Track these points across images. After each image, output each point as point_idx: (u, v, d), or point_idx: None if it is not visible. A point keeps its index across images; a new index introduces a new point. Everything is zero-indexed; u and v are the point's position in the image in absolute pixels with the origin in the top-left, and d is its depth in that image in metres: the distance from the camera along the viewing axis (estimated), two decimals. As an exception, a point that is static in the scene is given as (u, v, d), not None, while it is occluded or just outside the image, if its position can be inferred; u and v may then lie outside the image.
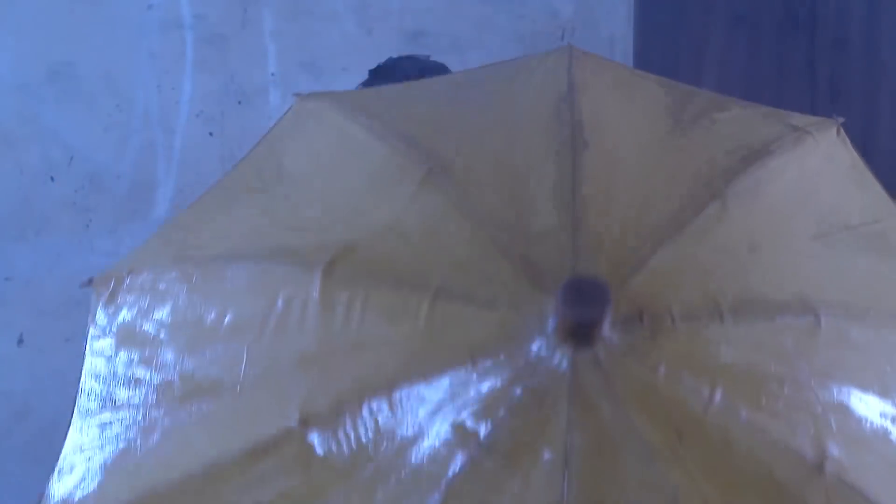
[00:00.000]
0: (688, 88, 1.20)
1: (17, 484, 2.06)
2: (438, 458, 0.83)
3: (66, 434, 1.18)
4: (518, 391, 0.82)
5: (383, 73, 1.72)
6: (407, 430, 0.84)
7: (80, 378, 1.06)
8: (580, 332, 0.82)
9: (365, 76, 1.75)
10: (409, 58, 1.75)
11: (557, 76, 1.08)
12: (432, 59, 1.75)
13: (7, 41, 2.01)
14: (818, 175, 1.09)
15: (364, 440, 0.84)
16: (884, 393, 0.93)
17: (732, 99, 1.21)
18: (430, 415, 0.83)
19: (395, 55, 1.77)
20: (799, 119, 1.16)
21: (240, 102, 2.00)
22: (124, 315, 1.00)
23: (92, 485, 0.96)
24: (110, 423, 0.99)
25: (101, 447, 0.98)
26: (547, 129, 1.00)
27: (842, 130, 1.16)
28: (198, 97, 2.00)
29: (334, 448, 0.84)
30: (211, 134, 2.00)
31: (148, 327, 0.98)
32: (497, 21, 1.96)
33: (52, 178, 2.02)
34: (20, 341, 2.05)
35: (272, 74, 1.99)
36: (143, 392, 0.97)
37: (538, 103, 1.06)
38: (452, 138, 1.01)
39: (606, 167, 0.97)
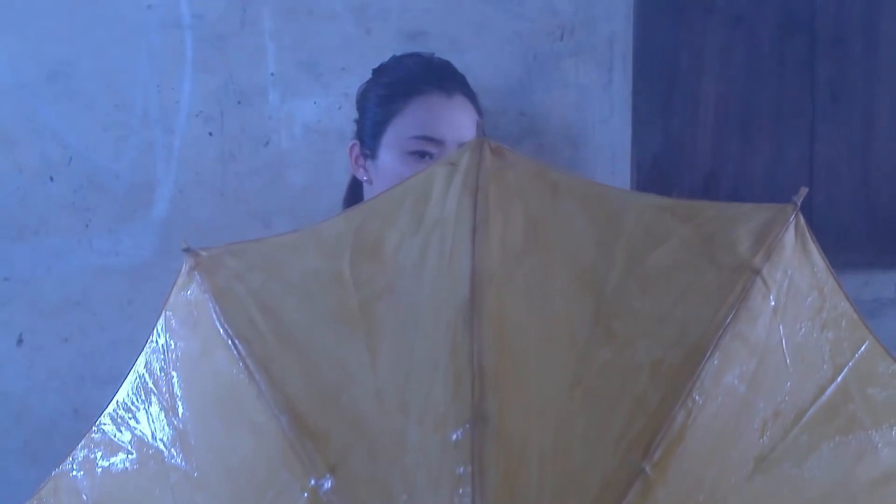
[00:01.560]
0: (618, 204, 1.05)
1: (17, 484, 2.06)
2: None
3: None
4: None
5: (386, 72, 1.72)
6: None
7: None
8: None
9: (364, 75, 1.75)
10: (413, 55, 1.74)
11: (457, 267, 0.96)
12: (436, 56, 1.75)
13: (6, 41, 2.01)
14: (765, 350, 0.98)
15: None
16: None
17: (672, 207, 1.05)
18: None
19: (397, 54, 1.77)
20: (749, 225, 1.02)
21: (239, 102, 2.00)
22: None
23: None
24: None
25: None
26: (443, 393, 0.91)
27: (800, 219, 1.04)
28: (197, 97, 2.00)
29: None
30: (210, 134, 2.00)
31: None
32: (496, 20, 1.95)
33: (50, 178, 2.02)
34: (19, 341, 2.04)
35: (272, 74, 1.99)
36: None
37: (435, 328, 0.95)
38: (343, 412, 0.94)
39: (512, 453, 0.88)
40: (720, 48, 2.19)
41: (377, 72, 1.74)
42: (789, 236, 1.01)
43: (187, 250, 1.10)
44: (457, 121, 1.63)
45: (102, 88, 2.01)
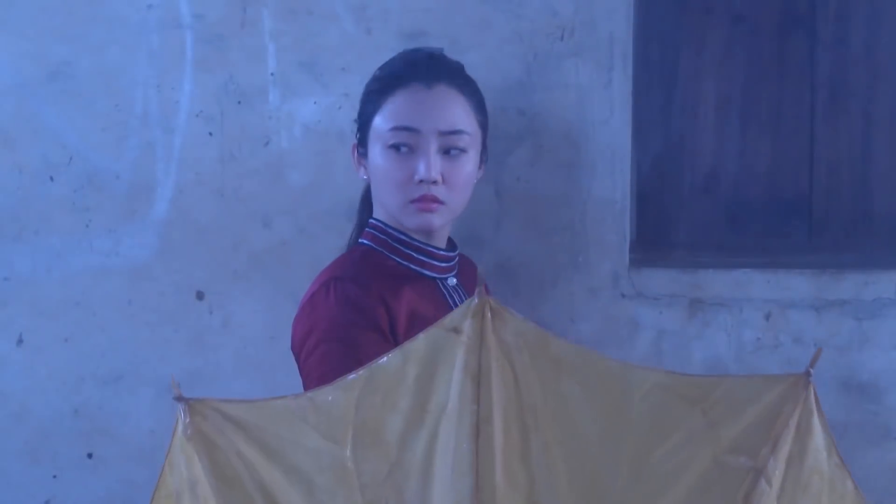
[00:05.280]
0: (622, 385, 1.04)
1: (17, 484, 2.06)
2: None
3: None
4: None
5: (379, 69, 1.72)
6: None
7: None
8: None
9: (364, 75, 1.75)
10: (409, 51, 1.74)
11: (460, 483, 0.98)
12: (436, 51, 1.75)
13: (6, 41, 2.01)
14: None
15: None
16: None
17: (678, 387, 1.04)
18: None
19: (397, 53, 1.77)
20: (758, 408, 1.01)
21: (239, 102, 2.00)
22: None
23: None
24: None
25: None
26: None
27: (811, 392, 1.02)
28: (197, 97, 2.00)
29: None
30: (210, 134, 2.00)
31: None
32: (496, 21, 1.95)
33: (51, 178, 2.02)
34: (19, 341, 2.05)
35: (271, 74, 1.99)
36: None
37: None
38: None
39: None
40: (720, 48, 2.19)
41: (381, 69, 1.74)
42: (798, 416, 1.01)
43: (179, 399, 1.07)
44: (437, 109, 1.62)
45: (102, 88, 2.01)
